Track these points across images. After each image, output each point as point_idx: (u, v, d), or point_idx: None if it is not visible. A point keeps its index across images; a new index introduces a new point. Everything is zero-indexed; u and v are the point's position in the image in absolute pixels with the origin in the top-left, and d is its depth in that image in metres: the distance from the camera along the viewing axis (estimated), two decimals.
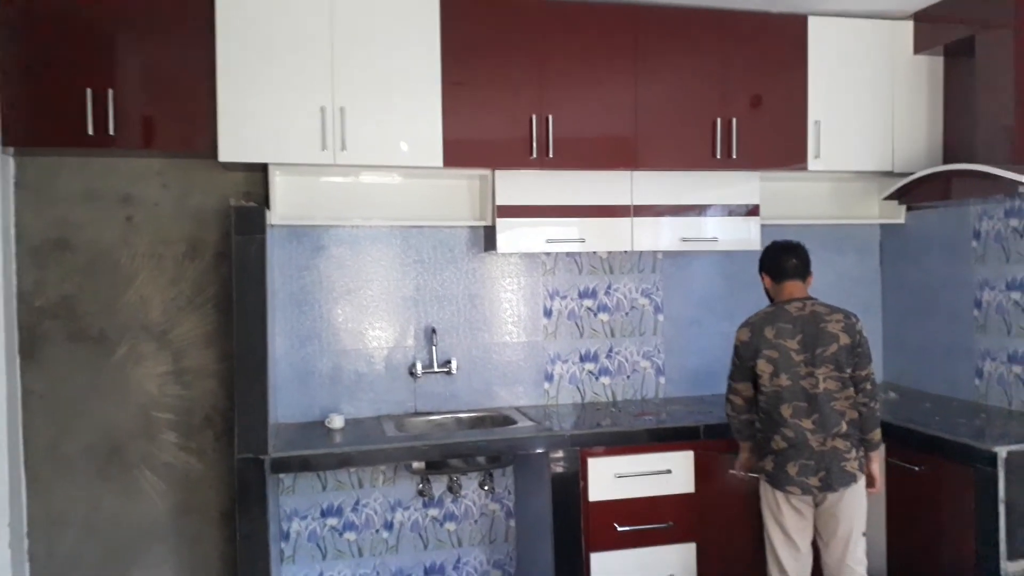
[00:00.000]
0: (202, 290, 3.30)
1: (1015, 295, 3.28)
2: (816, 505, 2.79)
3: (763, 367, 2.79)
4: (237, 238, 2.82)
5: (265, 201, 3.18)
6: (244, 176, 3.32)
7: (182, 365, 3.31)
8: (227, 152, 2.96)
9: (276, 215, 3.17)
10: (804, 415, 2.74)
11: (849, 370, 2.76)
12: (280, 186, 3.22)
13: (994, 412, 3.27)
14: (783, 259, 2.93)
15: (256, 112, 2.98)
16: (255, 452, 2.81)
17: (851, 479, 2.74)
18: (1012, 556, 2.64)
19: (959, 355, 3.55)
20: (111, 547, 3.25)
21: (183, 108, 3.00)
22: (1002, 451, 2.65)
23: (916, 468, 2.97)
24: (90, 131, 2.87)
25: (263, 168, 3.17)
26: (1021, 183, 2.81)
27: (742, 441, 2.98)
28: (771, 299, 2.97)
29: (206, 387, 3.32)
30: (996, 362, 3.37)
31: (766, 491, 2.86)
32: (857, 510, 2.78)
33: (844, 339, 2.76)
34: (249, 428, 2.81)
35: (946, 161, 3.56)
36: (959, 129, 3.55)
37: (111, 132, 2.89)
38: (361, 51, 3.07)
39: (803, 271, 2.93)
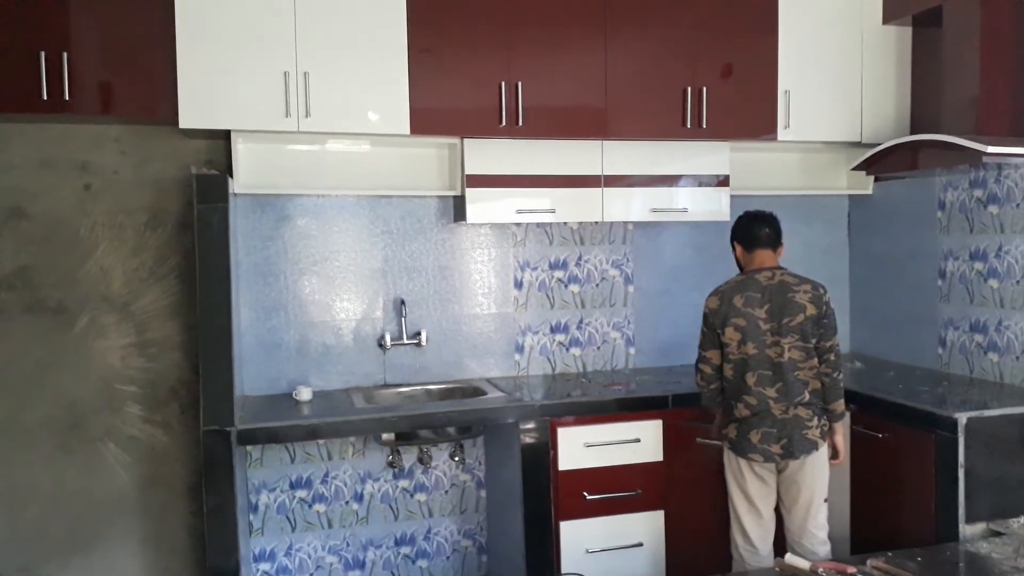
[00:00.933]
0: (164, 260, 3.24)
1: (978, 265, 3.32)
2: (779, 472, 2.83)
3: (731, 335, 2.80)
4: (199, 207, 2.76)
5: (228, 169, 3.12)
6: (206, 143, 3.25)
7: (146, 337, 3.25)
8: (187, 118, 2.88)
9: (239, 183, 3.10)
10: (768, 383, 2.76)
11: (814, 340, 2.79)
12: (243, 154, 3.15)
13: (956, 380, 3.33)
14: (755, 228, 2.94)
15: (217, 77, 2.90)
16: (221, 424, 2.77)
17: (812, 447, 2.78)
18: (970, 519, 2.70)
19: (923, 324, 3.60)
20: (75, 521, 3.21)
21: (142, 72, 2.92)
22: (962, 418, 2.70)
23: (880, 435, 3.02)
24: (44, 96, 2.77)
25: (226, 135, 3.10)
26: (985, 153, 2.83)
27: (714, 409, 3.00)
28: (741, 268, 2.98)
29: (171, 359, 3.27)
30: (958, 331, 3.43)
31: (729, 458, 2.90)
32: (819, 477, 2.83)
33: (811, 309, 2.78)
34: (214, 400, 2.77)
35: (913, 131, 3.58)
36: (926, 99, 3.57)
37: (67, 97, 2.80)
38: (325, 15, 3.00)
39: (774, 240, 2.94)
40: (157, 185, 3.22)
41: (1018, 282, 3.15)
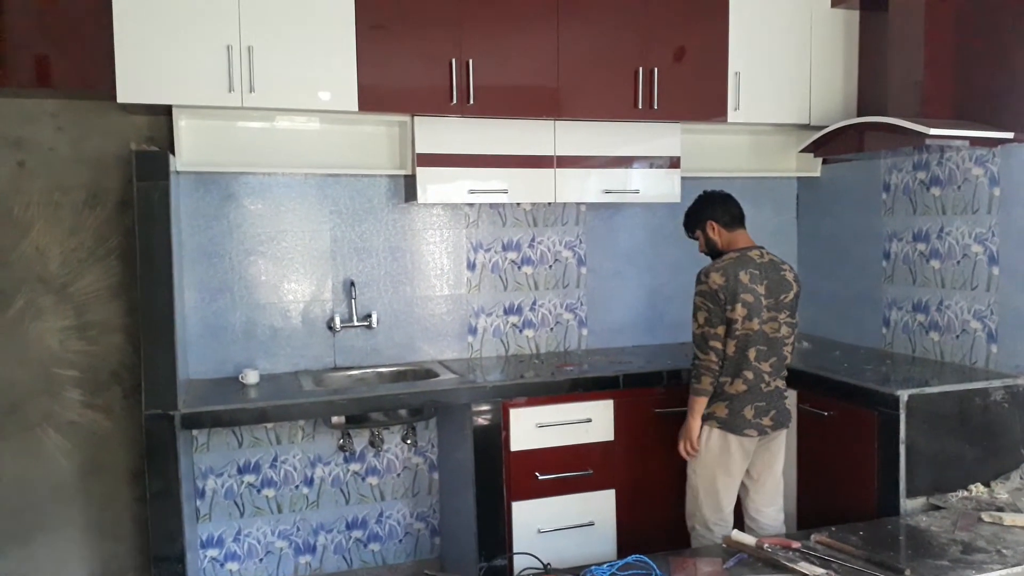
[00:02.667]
0: (104, 240, 3.14)
1: (920, 246, 3.40)
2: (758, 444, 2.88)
3: (739, 311, 2.76)
4: (139, 185, 2.67)
5: (171, 146, 3.02)
6: (147, 119, 3.15)
7: (86, 319, 3.15)
8: (126, 93, 2.78)
9: (181, 161, 3.02)
10: (764, 358, 2.80)
11: (795, 317, 2.90)
12: (185, 130, 3.06)
13: (899, 359, 3.41)
14: (732, 206, 2.94)
15: (157, 50, 2.80)
16: (164, 408, 2.70)
17: (791, 416, 2.94)
18: (911, 494, 2.77)
19: (868, 305, 3.67)
20: (14, 509, 3.11)
21: (79, 44, 2.84)
22: (903, 395, 2.76)
23: (825, 413, 3.07)
24: None
25: (168, 111, 3.01)
26: (928, 135, 2.88)
27: (704, 397, 2.82)
28: (714, 248, 2.93)
29: (112, 342, 3.18)
30: (902, 311, 3.50)
31: (714, 437, 2.83)
32: (784, 447, 2.94)
33: (795, 287, 2.89)
34: (157, 383, 2.70)
35: (860, 114, 3.63)
36: (873, 82, 3.62)
37: None
38: None
39: (744, 219, 2.97)
40: (96, 162, 3.11)
41: (958, 263, 3.22)
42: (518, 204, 3.65)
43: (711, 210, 2.94)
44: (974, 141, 3.02)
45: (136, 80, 2.79)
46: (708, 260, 2.96)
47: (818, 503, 3.15)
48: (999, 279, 3.06)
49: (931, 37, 3.19)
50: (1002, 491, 2.80)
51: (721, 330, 2.78)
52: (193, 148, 3.09)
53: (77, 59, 2.84)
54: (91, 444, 3.18)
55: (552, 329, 3.80)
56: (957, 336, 3.24)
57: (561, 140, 3.39)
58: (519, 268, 3.72)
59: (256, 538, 3.35)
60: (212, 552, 3.30)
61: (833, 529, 2.51)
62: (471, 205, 3.59)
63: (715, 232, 2.93)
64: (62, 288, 3.11)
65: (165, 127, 3.12)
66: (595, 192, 3.49)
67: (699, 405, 2.83)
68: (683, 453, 2.89)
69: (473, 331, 3.66)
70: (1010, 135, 2.96)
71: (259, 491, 3.35)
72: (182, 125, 3.03)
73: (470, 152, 3.29)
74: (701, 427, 2.85)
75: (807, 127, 3.67)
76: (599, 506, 3.20)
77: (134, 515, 3.23)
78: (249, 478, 3.34)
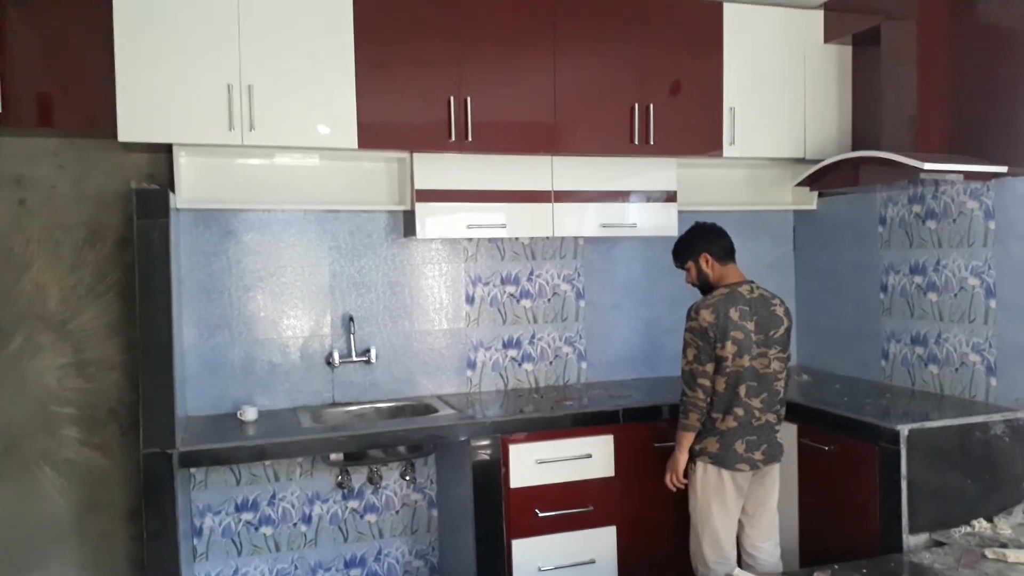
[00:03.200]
0: (104, 277, 3.14)
1: (917, 279, 3.41)
2: (751, 479, 2.87)
3: (729, 348, 2.77)
4: (139, 222, 2.68)
5: (171, 183, 3.04)
6: (148, 157, 3.17)
7: (84, 357, 3.14)
8: (127, 132, 2.81)
9: (181, 198, 3.03)
10: (755, 394, 2.80)
11: (788, 351, 2.89)
12: (186, 168, 3.08)
13: (898, 392, 3.40)
14: (725, 239, 2.96)
15: (158, 89, 2.83)
16: (162, 446, 2.69)
17: (782, 450, 2.91)
18: (914, 530, 2.75)
19: (867, 337, 3.67)
20: (9, 548, 3.08)
21: (81, 84, 2.85)
22: (904, 429, 2.75)
23: (826, 448, 3.06)
24: None
25: (168, 148, 3.03)
26: (922, 169, 2.91)
27: (691, 432, 2.84)
28: (707, 281, 2.94)
29: (110, 379, 3.17)
30: (900, 344, 3.50)
31: (708, 473, 2.84)
32: (779, 481, 2.92)
33: (786, 322, 2.89)
34: (155, 421, 2.69)
35: (855, 148, 3.66)
36: (866, 117, 3.66)
37: (1, 110, 2.71)
38: (270, 27, 2.95)
39: (735, 252, 2.99)
40: (96, 200, 3.13)
41: (955, 295, 3.23)
42: (516, 238, 3.67)
43: (705, 242, 2.95)
44: (968, 175, 3.05)
45: (137, 119, 2.82)
46: (699, 293, 2.98)
47: (820, 539, 3.13)
48: (996, 312, 3.07)
49: (924, 72, 3.23)
50: (1005, 526, 2.78)
51: (710, 367, 2.80)
52: (193, 185, 3.11)
53: (79, 99, 2.86)
54: (88, 482, 3.16)
55: (551, 362, 3.79)
56: (956, 369, 3.24)
57: (559, 175, 3.42)
58: (518, 301, 3.73)
59: None
60: None
61: (836, 567, 2.49)
62: (470, 239, 3.60)
63: (708, 265, 2.93)
64: (61, 325, 3.11)
65: (165, 164, 3.15)
66: (593, 226, 3.51)
67: (686, 440, 2.86)
68: (669, 485, 2.93)
69: (472, 365, 3.66)
70: (1003, 169, 2.99)
71: (257, 529, 3.32)
72: (182, 163, 3.05)
73: (469, 187, 3.31)
74: (695, 464, 2.87)
75: (803, 161, 3.70)
76: (600, 543, 3.17)
77: (130, 554, 3.20)
78: (247, 516, 3.31)
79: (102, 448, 3.16)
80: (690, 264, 2.97)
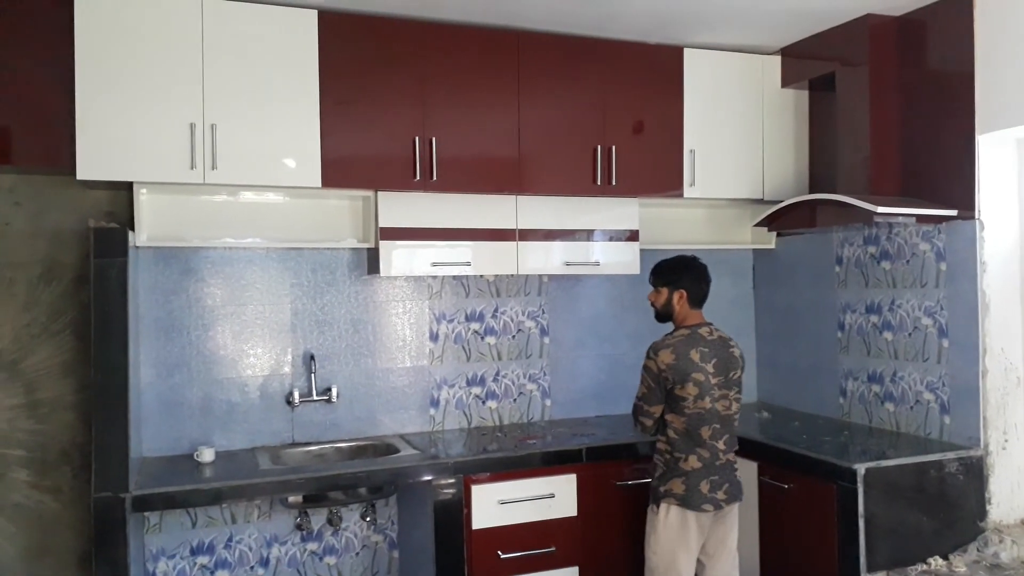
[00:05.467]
0: (59, 316, 3.08)
1: (873, 318, 3.48)
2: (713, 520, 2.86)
3: (691, 390, 2.77)
4: (96, 261, 2.65)
5: (131, 221, 3.01)
6: (107, 194, 3.14)
7: (36, 397, 3.07)
8: (86, 170, 2.78)
9: (141, 237, 3.00)
10: (718, 436, 2.80)
11: (741, 392, 2.91)
12: (147, 205, 3.05)
13: (856, 429, 3.45)
14: (705, 287, 2.95)
15: (119, 127, 2.81)
16: (114, 490, 2.63)
17: (742, 489, 2.91)
18: (871, 568, 2.78)
19: (825, 375, 3.73)
20: None
21: (40, 120, 2.83)
22: (861, 468, 2.79)
23: (785, 486, 3.09)
24: None
25: (128, 186, 3.00)
26: (876, 213, 2.98)
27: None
28: (668, 314, 2.93)
29: (63, 420, 3.09)
30: (857, 381, 3.56)
31: (672, 515, 2.81)
32: (737, 520, 2.93)
33: (741, 363, 2.92)
34: (108, 464, 2.63)
35: (812, 190, 3.75)
36: (823, 159, 3.75)
37: None
38: (234, 66, 2.95)
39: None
40: (53, 237, 3.08)
41: (910, 335, 3.30)
42: (481, 275, 3.68)
43: (688, 281, 2.92)
44: (920, 218, 3.13)
45: (97, 157, 2.79)
46: (658, 324, 3.01)
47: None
48: (949, 351, 3.14)
49: (876, 117, 3.33)
50: (960, 564, 2.82)
51: (657, 409, 2.84)
52: (154, 223, 3.07)
53: (37, 135, 2.83)
54: (37, 527, 3.06)
55: (515, 400, 3.79)
56: (911, 407, 3.30)
57: (523, 214, 3.45)
58: (482, 339, 3.73)
59: None
60: None
61: None
62: (434, 277, 3.60)
63: (679, 301, 2.91)
64: (12, 365, 3.03)
65: (126, 201, 3.11)
66: (557, 264, 3.53)
67: None
68: None
69: (435, 403, 3.64)
70: (953, 212, 3.08)
71: (212, 573, 3.24)
72: (143, 200, 3.03)
73: (433, 225, 3.32)
74: (657, 506, 2.84)
75: (761, 202, 3.78)
76: None
77: None
78: (202, 559, 3.23)
79: (53, 491, 3.08)
80: (664, 290, 2.93)
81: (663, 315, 2.96)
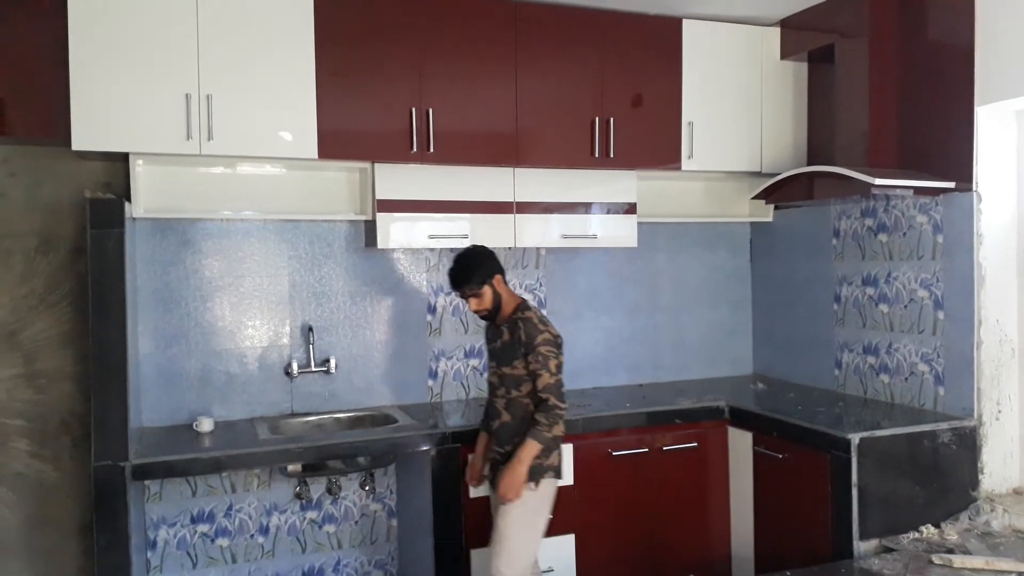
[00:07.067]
0: (56, 287, 3.09)
1: (869, 290, 3.49)
2: None
3: (563, 358, 2.80)
4: (93, 232, 2.64)
5: (127, 192, 3.00)
6: (104, 165, 3.13)
7: (35, 368, 3.08)
8: (81, 140, 2.77)
9: (138, 208, 2.99)
10: None
11: None
12: (143, 177, 3.04)
13: (851, 400, 3.47)
14: (496, 257, 2.87)
15: (114, 97, 2.80)
16: (114, 459, 2.65)
17: None
18: (864, 536, 2.81)
19: (820, 347, 3.75)
20: None
21: (35, 91, 2.81)
22: (855, 438, 2.81)
23: (780, 456, 3.12)
24: None
25: (124, 157, 2.99)
26: (873, 185, 2.98)
27: (557, 440, 2.80)
28: (498, 304, 2.83)
29: (62, 390, 3.11)
30: (853, 353, 3.58)
31: (547, 488, 2.79)
32: None
33: None
34: (107, 433, 2.65)
35: (809, 162, 3.75)
36: (821, 132, 3.74)
37: None
38: (229, 36, 2.93)
39: None
40: (50, 208, 3.08)
41: (906, 306, 3.32)
42: None
43: (495, 264, 2.83)
44: (918, 190, 3.13)
45: (92, 128, 2.78)
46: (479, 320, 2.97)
47: (774, 545, 3.18)
48: (944, 323, 3.15)
49: (875, 89, 3.31)
50: (952, 532, 2.86)
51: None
52: (150, 194, 3.07)
53: (32, 106, 2.82)
54: (38, 496, 3.09)
55: None
56: (906, 378, 3.32)
57: (521, 186, 3.44)
58: None
59: None
60: None
61: (788, 573, 2.54)
62: (432, 249, 3.60)
63: (500, 286, 2.83)
64: (10, 336, 3.04)
65: (122, 172, 3.10)
66: (554, 237, 3.53)
67: (536, 452, 2.72)
68: (509, 501, 2.72)
69: (433, 375, 3.66)
70: (951, 184, 3.08)
71: (213, 541, 3.28)
72: (139, 171, 3.02)
73: (430, 198, 3.32)
74: (539, 480, 2.75)
75: (759, 174, 3.78)
76: (558, 552, 3.18)
77: (80, 567, 3.14)
78: (203, 528, 3.26)
79: (52, 461, 3.10)
80: (485, 289, 2.79)
81: (495, 312, 2.84)
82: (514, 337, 2.78)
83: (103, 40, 2.79)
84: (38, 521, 3.10)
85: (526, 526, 2.78)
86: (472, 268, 2.81)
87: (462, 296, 2.86)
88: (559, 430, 2.74)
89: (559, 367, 2.76)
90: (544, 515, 2.84)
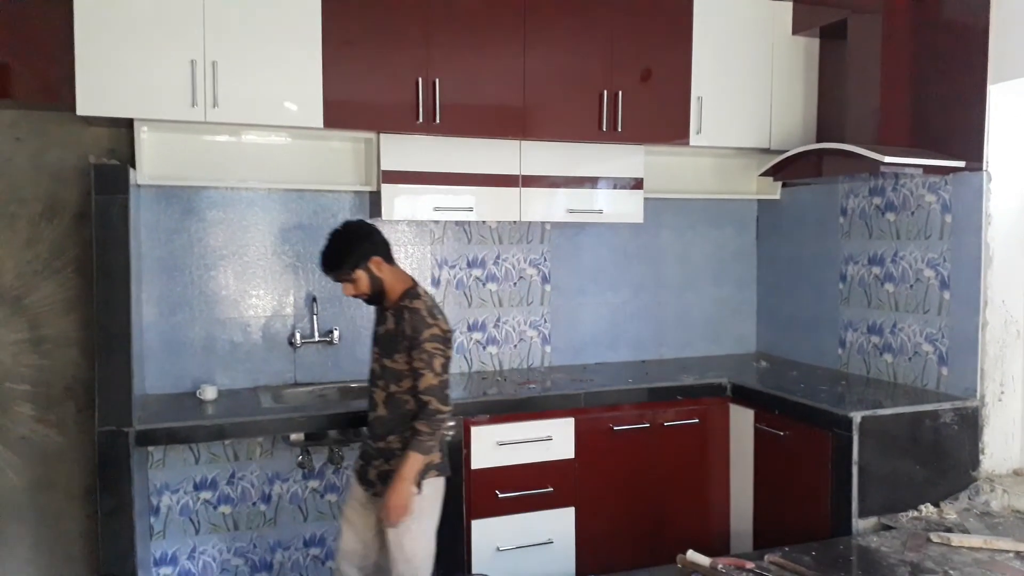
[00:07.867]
0: (61, 253, 3.09)
1: (875, 269, 3.47)
2: None
3: (451, 351, 2.56)
4: (97, 198, 2.64)
5: (132, 159, 2.99)
6: (109, 131, 3.12)
7: (40, 333, 3.09)
8: (86, 105, 2.75)
9: (142, 174, 2.98)
10: None
11: None
12: (148, 143, 3.03)
13: (854, 379, 3.47)
14: (379, 235, 2.60)
15: (119, 63, 2.78)
16: (118, 424, 2.66)
17: None
18: (863, 514, 2.82)
19: (825, 326, 3.74)
20: None
21: (40, 55, 2.81)
22: (857, 416, 2.81)
23: (781, 433, 3.12)
24: None
25: (129, 123, 2.98)
26: (882, 163, 2.96)
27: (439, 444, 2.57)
28: (380, 289, 2.59)
29: (67, 356, 3.12)
30: (857, 332, 3.57)
31: (438, 487, 2.61)
32: None
33: None
34: (111, 399, 2.66)
35: (819, 140, 3.71)
36: (831, 109, 3.70)
37: None
38: (236, 2, 2.90)
39: None
40: (55, 174, 3.07)
41: (911, 287, 3.30)
42: (484, 221, 3.67)
43: (371, 245, 2.55)
44: (927, 169, 3.10)
45: (97, 93, 2.76)
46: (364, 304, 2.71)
47: (773, 521, 3.20)
48: (950, 304, 3.14)
49: (887, 66, 3.28)
50: (951, 511, 2.86)
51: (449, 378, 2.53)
52: (155, 161, 3.06)
53: (38, 70, 2.81)
54: (42, 460, 3.12)
55: (516, 346, 3.81)
56: (910, 358, 3.31)
57: (527, 159, 3.42)
58: (484, 285, 3.73)
59: (211, 555, 3.30)
60: (166, 570, 3.24)
61: (787, 549, 2.55)
62: (437, 222, 3.59)
63: (380, 269, 2.55)
64: (16, 301, 3.05)
65: (127, 139, 3.09)
66: (560, 211, 3.52)
67: (420, 464, 2.48)
68: (395, 522, 2.50)
69: None
70: (961, 164, 3.05)
71: (215, 508, 3.30)
72: (144, 138, 3.00)
73: (436, 170, 3.30)
74: (421, 485, 2.53)
75: (768, 151, 3.74)
76: (559, 524, 3.21)
77: (85, 532, 3.17)
78: (205, 495, 3.29)
79: (57, 426, 3.12)
80: (359, 273, 2.54)
81: (376, 296, 2.60)
82: (398, 328, 2.51)
83: (108, 4, 2.76)
84: (43, 485, 3.13)
85: (422, 535, 2.58)
86: (344, 252, 2.54)
87: (336, 280, 2.62)
88: (443, 435, 2.53)
89: (445, 366, 2.48)
90: (435, 516, 2.61)
